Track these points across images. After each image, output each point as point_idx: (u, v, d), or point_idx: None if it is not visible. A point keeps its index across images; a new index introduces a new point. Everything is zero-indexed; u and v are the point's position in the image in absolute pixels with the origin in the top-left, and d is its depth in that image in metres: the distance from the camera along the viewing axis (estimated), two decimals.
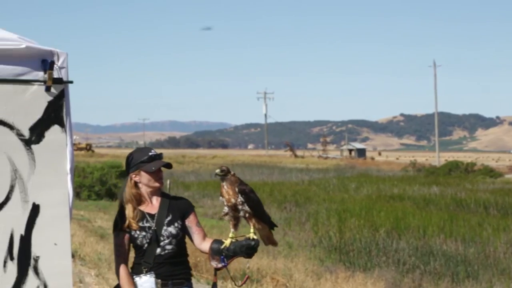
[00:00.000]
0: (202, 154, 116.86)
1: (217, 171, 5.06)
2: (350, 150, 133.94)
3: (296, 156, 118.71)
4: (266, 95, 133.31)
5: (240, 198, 4.96)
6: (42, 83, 5.41)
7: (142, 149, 5.35)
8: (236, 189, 4.97)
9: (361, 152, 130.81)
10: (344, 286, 14.25)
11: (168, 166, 5.21)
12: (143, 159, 5.20)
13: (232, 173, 5.14)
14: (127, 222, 5.11)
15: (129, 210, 5.14)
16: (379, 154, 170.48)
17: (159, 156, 5.24)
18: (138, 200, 5.18)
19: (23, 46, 5.30)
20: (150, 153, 5.21)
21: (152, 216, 5.13)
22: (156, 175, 5.18)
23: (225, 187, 5.00)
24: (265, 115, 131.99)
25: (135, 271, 5.10)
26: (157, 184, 5.19)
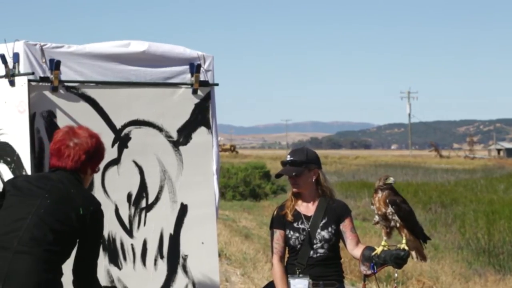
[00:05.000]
0: (344, 155, 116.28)
1: (391, 179, 4.95)
2: (499, 150, 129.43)
3: (441, 156, 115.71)
4: (410, 94, 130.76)
5: (390, 209, 4.87)
6: (189, 86, 5.53)
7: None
8: (387, 200, 4.87)
9: (511, 152, 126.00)
10: None
11: (289, 174, 5.14)
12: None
13: None
14: (284, 211, 5.15)
15: (288, 203, 5.18)
16: None
17: (283, 163, 5.23)
18: (298, 198, 5.20)
19: (170, 49, 5.44)
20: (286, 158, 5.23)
21: (308, 218, 5.13)
22: (290, 180, 5.19)
23: (379, 195, 4.91)
24: (409, 114, 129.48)
25: (288, 270, 5.13)
26: (293, 189, 5.19)
